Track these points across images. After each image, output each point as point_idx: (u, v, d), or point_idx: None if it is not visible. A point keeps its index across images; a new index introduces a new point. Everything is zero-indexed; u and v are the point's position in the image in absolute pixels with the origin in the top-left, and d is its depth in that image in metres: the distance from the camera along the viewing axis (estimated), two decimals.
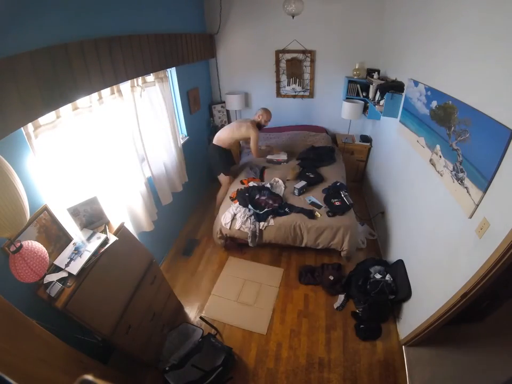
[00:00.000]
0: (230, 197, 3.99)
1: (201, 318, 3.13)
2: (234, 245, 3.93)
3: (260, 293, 3.40)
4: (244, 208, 3.68)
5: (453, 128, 2.23)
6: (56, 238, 2.07)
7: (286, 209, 3.63)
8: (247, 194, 3.87)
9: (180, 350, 2.72)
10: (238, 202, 3.78)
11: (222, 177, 4.45)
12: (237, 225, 3.58)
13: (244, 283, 3.53)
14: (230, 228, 3.62)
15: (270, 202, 3.73)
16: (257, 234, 3.57)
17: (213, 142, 4.30)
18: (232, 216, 3.63)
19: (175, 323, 3.07)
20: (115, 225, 2.34)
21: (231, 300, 3.35)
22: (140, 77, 2.92)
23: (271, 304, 3.27)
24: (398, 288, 2.93)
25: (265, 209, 3.63)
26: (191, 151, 4.44)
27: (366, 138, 5.06)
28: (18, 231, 1.60)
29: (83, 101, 2.25)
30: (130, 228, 2.81)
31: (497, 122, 1.72)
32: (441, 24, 2.54)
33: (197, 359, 2.61)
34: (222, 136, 4.24)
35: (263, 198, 3.81)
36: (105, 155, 2.55)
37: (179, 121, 4.26)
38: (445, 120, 2.35)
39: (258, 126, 4.21)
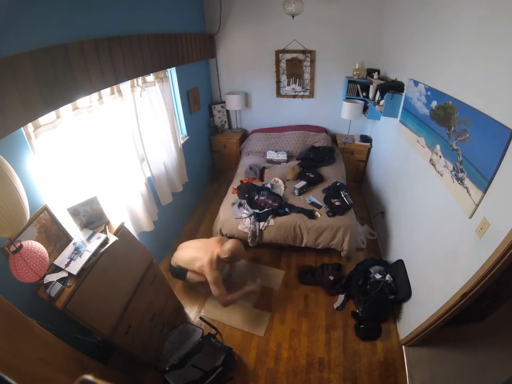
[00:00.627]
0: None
1: (201, 318, 3.13)
2: None
3: (260, 294, 3.37)
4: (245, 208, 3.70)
5: (453, 128, 2.23)
6: (56, 238, 2.07)
7: (286, 209, 3.64)
8: (246, 195, 3.88)
9: (180, 350, 2.72)
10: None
11: None
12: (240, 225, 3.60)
13: (245, 284, 3.47)
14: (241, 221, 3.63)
15: (270, 202, 3.74)
16: (257, 234, 3.57)
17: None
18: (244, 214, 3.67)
19: (175, 323, 3.07)
20: (115, 225, 2.34)
21: None
22: (140, 77, 2.92)
23: (270, 306, 3.26)
24: (398, 288, 2.93)
25: (265, 209, 3.63)
26: (191, 151, 4.45)
27: (366, 138, 5.05)
28: (18, 231, 1.60)
29: (83, 101, 2.25)
30: (130, 228, 2.81)
31: (497, 122, 1.72)
32: (441, 24, 2.54)
33: (197, 359, 2.61)
34: (179, 262, 3.17)
35: (262, 198, 3.82)
36: (105, 155, 2.55)
37: (179, 121, 4.26)
38: (445, 120, 2.35)
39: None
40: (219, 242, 3.11)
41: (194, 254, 3.07)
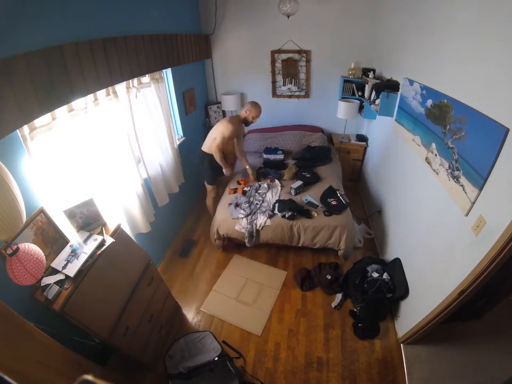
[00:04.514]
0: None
1: (224, 342, 2.92)
2: (232, 246, 3.93)
3: (260, 293, 3.40)
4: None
5: (448, 126, 2.24)
6: (52, 240, 2.06)
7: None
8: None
9: (191, 361, 2.62)
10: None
11: (206, 186, 4.26)
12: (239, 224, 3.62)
13: (246, 282, 3.53)
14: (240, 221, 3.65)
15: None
16: (254, 234, 3.57)
17: (201, 148, 4.01)
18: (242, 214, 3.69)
19: (174, 324, 3.07)
20: (112, 226, 2.34)
21: (231, 298, 3.35)
22: (135, 78, 2.91)
23: (270, 306, 3.26)
24: (395, 286, 2.94)
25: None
26: (187, 151, 4.43)
27: (362, 138, 5.07)
28: (15, 233, 1.59)
29: (78, 103, 2.24)
30: (127, 229, 2.80)
31: (492, 120, 1.73)
32: (436, 23, 2.56)
33: (206, 378, 2.52)
34: (206, 140, 3.94)
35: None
36: (101, 157, 2.54)
37: (175, 122, 4.26)
38: (440, 119, 2.37)
39: (246, 123, 3.88)
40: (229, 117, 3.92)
41: (213, 129, 3.85)
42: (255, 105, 3.75)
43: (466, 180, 1.98)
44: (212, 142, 3.81)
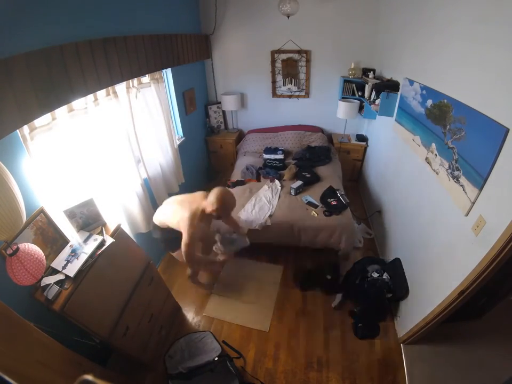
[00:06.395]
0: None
1: (224, 342, 2.90)
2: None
3: (261, 290, 3.41)
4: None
5: (448, 126, 2.24)
6: (52, 240, 2.06)
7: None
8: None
9: (191, 361, 2.60)
10: None
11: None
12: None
13: (245, 281, 3.54)
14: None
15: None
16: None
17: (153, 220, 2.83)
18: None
19: (174, 324, 3.07)
20: (112, 226, 2.34)
21: (232, 298, 3.35)
22: (135, 78, 2.92)
23: (273, 301, 3.28)
24: (395, 286, 2.94)
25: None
26: (187, 151, 4.44)
27: (362, 138, 5.07)
28: (15, 233, 1.59)
29: (78, 103, 2.24)
30: (127, 229, 2.80)
31: (492, 120, 1.73)
32: (437, 23, 2.55)
33: (206, 378, 2.51)
34: (160, 217, 2.76)
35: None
36: (101, 157, 2.54)
37: (175, 122, 4.26)
38: (440, 119, 2.36)
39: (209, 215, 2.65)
40: (205, 196, 2.67)
41: (174, 208, 2.65)
42: (224, 199, 2.52)
43: (466, 180, 1.98)
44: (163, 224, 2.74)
